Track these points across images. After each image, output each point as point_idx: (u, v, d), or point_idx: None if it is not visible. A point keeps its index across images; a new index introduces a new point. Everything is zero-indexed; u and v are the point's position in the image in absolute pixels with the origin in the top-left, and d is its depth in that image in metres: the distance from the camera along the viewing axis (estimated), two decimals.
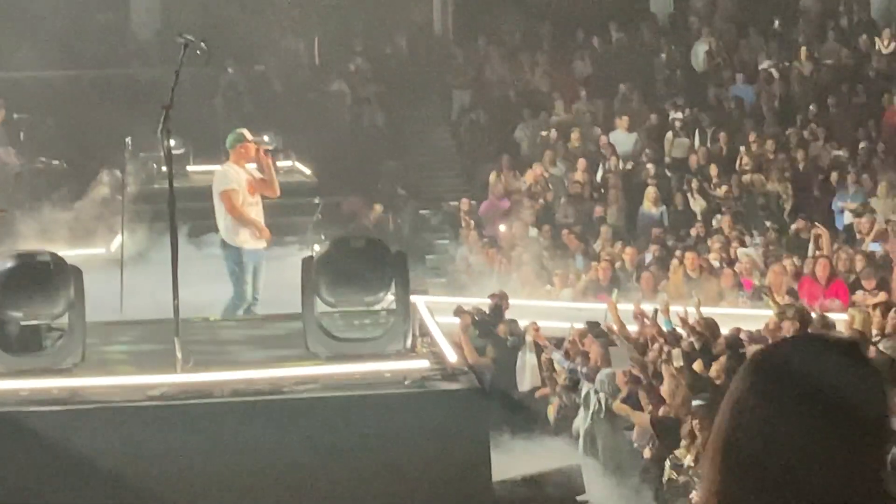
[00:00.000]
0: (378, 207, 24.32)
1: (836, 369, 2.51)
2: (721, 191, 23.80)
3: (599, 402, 14.16)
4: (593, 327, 15.73)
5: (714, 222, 22.62)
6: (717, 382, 13.36)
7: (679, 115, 26.76)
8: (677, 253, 20.35)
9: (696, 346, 14.49)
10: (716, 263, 19.67)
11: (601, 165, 25.72)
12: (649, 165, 25.06)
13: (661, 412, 13.30)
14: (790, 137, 25.46)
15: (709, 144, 25.93)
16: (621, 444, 14.08)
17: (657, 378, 13.81)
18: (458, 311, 17.14)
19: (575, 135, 26.52)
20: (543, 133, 26.85)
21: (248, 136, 14.88)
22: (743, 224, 22.53)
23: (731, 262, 19.74)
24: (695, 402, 12.72)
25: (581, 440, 14.50)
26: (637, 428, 13.74)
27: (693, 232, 22.30)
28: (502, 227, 22.76)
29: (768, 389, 2.51)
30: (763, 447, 2.49)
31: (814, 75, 27.63)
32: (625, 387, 14.02)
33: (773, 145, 25.05)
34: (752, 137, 25.34)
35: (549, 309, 18.71)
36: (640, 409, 13.62)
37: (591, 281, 20.14)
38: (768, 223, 22.43)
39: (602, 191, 24.93)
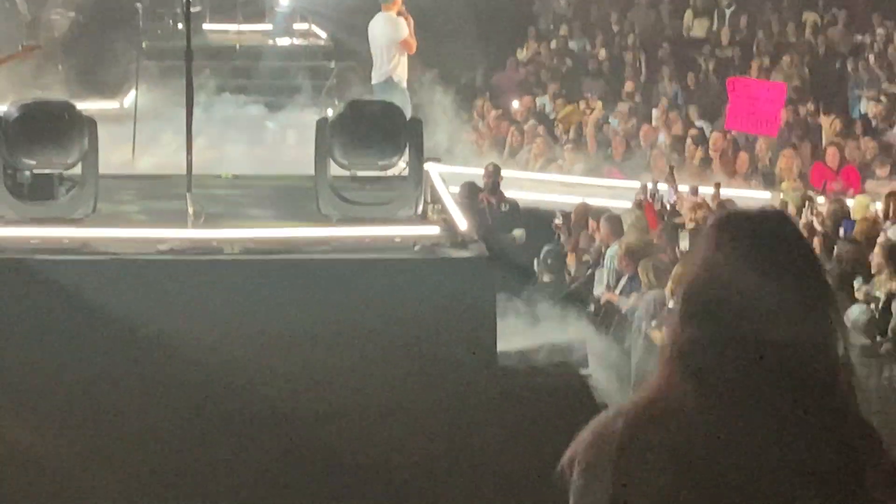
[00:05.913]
0: None
1: (779, 231, 2.95)
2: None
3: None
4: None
5: None
6: None
7: None
8: (692, 132, 20.18)
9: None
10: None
11: (619, 41, 25.47)
12: (665, 44, 24.82)
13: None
14: (809, 21, 25.16)
15: (727, 26, 25.66)
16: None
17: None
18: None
19: (593, 10, 26.30)
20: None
21: None
22: None
23: (748, 146, 19.59)
24: None
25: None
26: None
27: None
28: (516, 103, 22.57)
29: (731, 246, 2.90)
30: (722, 294, 2.87)
31: None
32: (622, 262, 13.79)
33: (793, 29, 24.80)
34: (772, 20, 25.05)
35: (558, 183, 18.69)
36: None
37: (604, 156, 20.05)
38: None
39: (620, 67, 24.69)
